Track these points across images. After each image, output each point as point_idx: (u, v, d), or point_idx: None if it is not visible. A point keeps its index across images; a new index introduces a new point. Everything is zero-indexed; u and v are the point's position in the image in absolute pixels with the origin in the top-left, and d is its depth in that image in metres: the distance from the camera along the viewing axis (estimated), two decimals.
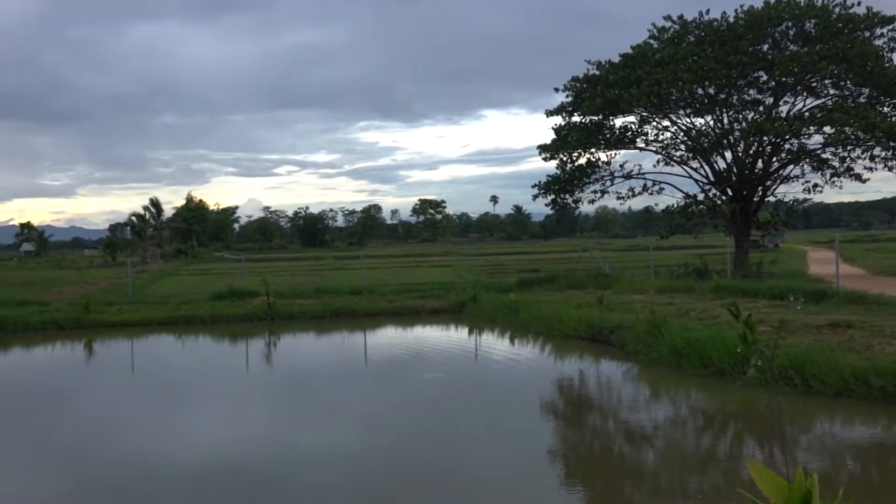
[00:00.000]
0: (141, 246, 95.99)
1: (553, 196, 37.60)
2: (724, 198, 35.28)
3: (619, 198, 37.81)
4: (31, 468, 10.96)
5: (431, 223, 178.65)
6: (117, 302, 31.14)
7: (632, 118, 36.14)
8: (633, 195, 37.31)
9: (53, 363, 22.05)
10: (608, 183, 37.24)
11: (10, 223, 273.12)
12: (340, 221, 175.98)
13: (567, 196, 37.72)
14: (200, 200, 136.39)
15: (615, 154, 37.27)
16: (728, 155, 34.89)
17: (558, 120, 36.87)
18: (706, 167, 35.61)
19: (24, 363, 22.35)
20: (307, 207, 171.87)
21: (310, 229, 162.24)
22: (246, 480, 9.87)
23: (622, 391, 15.66)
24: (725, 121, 34.48)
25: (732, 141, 34.22)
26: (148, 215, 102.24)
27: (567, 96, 36.39)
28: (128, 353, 23.40)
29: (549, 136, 37.35)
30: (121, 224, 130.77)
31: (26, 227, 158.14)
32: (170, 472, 10.33)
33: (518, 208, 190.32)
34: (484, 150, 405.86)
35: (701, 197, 36.08)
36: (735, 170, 34.62)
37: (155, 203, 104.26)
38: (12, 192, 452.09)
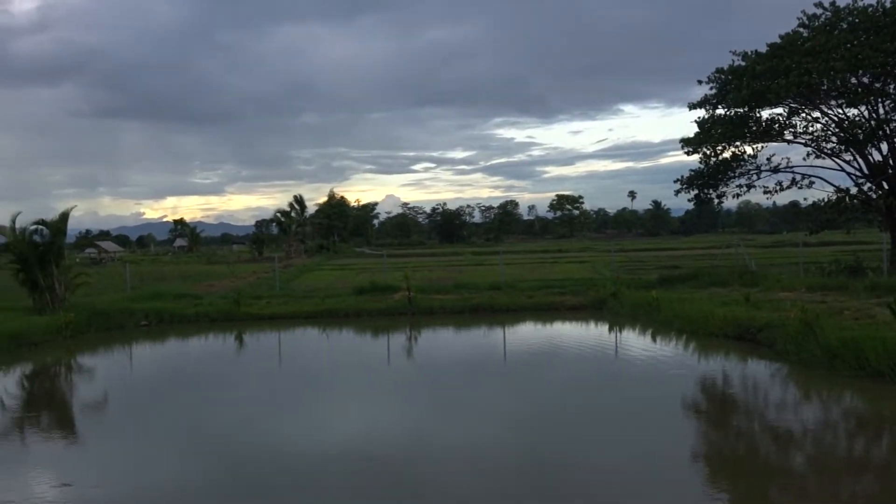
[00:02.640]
0: (286, 241, 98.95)
1: (696, 191, 36.82)
2: (879, 192, 33.68)
3: (765, 192, 36.69)
4: (184, 453, 11.55)
5: (568, 219, 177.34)
6: (265, 296, 32.33)
7: (779, 110, 35.04)
8: (781, 189, 36.17)
9: (207, 354, 23.05)
10: (754, 177, 36.24)
11: (164, 219, 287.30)
12: (477, 217, 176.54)
13: (710, 191, 36.86)
14: (342, 197, 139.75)
15: (761, 147, 36.25)
16: (884, 147, 33.31)
17: (701, 113, 36.12)
18: (860, 160, 34.14)
19: (181, 353, 23.44)
20: (444, 203, 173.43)
21: (447, 225, 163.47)
22: (383, 472, 10.10)
23: (770, 392, 15.18)
24: (881, 111, 32.93)
25: (889, 132, 32.62)
26: (293, 212, 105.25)
27: (711, 88, 35.57)
28: (275, 345, 24.26)
29: (690, 130, 36.66)
30: (266, 220, 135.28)
31: (179, 223, 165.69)
32: (311, 461, 10.73)
33: (657, 203, 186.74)
34: (621, 144, 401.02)
35: (854, 191, 34.60)
36: (891, 162, 33.00)
37: (299, 200, 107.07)
38: (166, 190, 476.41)
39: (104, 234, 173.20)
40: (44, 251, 28.02)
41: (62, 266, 28.79)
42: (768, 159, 36.10)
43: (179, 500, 9.35)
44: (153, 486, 9.89)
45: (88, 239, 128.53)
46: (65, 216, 28.87)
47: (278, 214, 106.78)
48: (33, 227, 28.64)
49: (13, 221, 28.53)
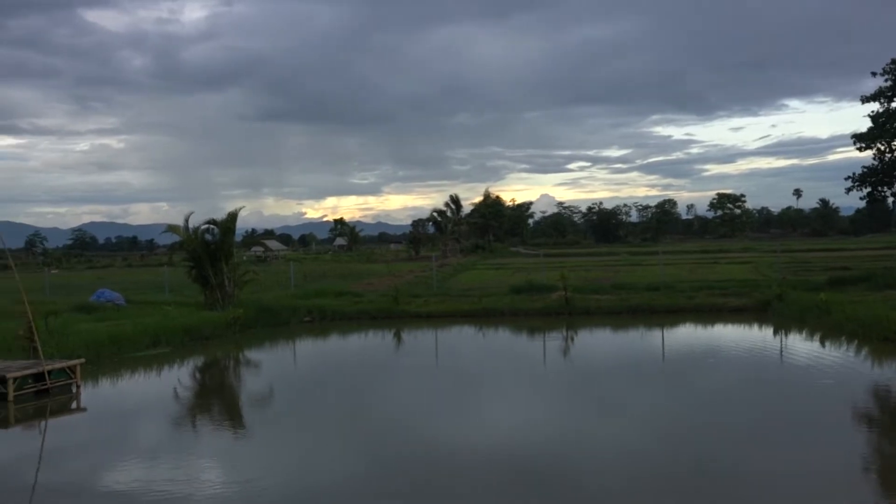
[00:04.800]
0: (441, 241, 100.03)
1: (869, 189, 34.97)
2: None
3: None
4: (347, 449, 11.86)
5: (729, 218, 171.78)
6: (423, 294, 32.81)
7: None
8: None
9: (367, 350, 23.60)
10: None
11: (325, 219, 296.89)
12: (634, 217, 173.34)
13: (885, 188, 34.93)
14: (497, 196, 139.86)
15: None
16: None
17: (875, 106, 34.27)
18: None
19: (342, 349, 24.13)
20: (601, 203, 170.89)
21: (603, 224, 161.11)
22: (537, 472, 10.08)
23: None
24: None
25: None
26: (449, 211, 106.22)
27: (886, 80, 33.68)
28: (433, 343, 24.57)
29: (862, 125, 34.89)
30: (422, 220, 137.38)
31: (339, 222, 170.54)
32: (467, 458, 10.80)
33: (824, 202, 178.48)
34: (785, 141, 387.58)
35: None
36: None
37: (454, 199, 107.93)
38: (326, 190, 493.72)
39: (269, 234, 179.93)
40: (214, 249, 29.32)
41: (231, 264, 30.04)
42: None
43: (344, 498, 9.57)
44: (315, 481, 10.20)
45: (255, 238, 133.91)
46: (233, 216, 30.11)
47: (434, 214, 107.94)
48: (205, 226, 30.02)
49: (186, 221, 30.04)
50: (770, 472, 9.81)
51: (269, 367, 21.03)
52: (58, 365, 16.42)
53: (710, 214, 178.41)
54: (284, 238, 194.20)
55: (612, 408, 14.04)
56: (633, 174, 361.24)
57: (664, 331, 24.47)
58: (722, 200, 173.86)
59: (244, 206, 31.50)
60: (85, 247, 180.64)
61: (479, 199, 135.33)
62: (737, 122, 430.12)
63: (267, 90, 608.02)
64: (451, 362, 20.79)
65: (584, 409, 14.33)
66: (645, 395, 15.21)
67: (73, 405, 15.84)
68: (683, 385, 16.34)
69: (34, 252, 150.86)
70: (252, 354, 23.05)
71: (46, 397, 15.73)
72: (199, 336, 24.04)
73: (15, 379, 15.34)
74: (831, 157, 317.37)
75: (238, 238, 36.70)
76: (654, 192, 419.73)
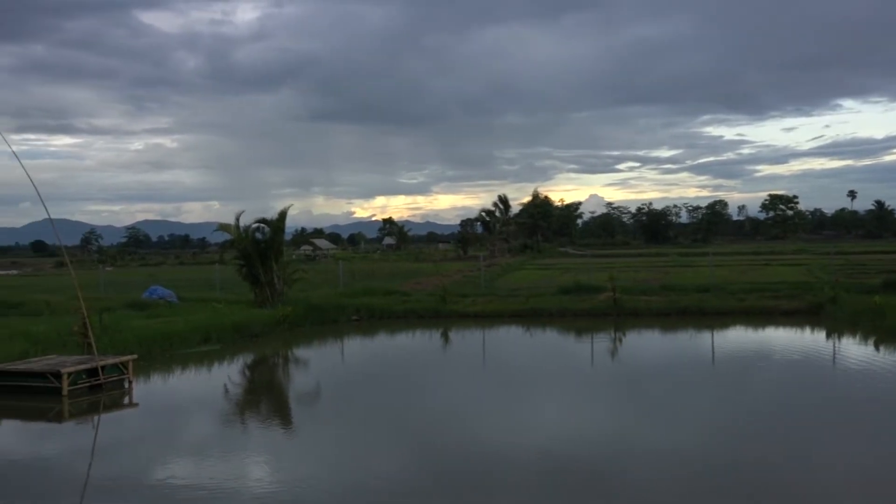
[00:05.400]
0: (490, 240, 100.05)
1: None
2: None
3: None
4: (390, 449, 11.90)
5: (781, 219, 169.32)
6: (470, 294, 32.78)
7: None
8: None
9: (414, 350, 23.70)
10: None
11: (373, 218, 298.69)
12: (684, 217, 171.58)
13: None
14: (545, 196, 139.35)
15: None
16: None
17: None
18: None
19: (389, 348, 24.24)
20: (650, 203, 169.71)
21: (652, 225, 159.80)
22: (581, 473, 10.06)
23: None
24: None
25: None
26: (497, 211, 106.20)
27: None
28: (480, 343, 24.56)
29: None
30: (471, 220, 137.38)
31: (388, 222, 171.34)
32: (510, 459, 10.81)
33: (880, 203, 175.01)
34: (839, 141, 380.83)
35: None
36: None
37: (503, 199, 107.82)
38: (375, 190, 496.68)
39: (318, 232, 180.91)
40: (265, 248, 29.55)
41: (281, 262, 30.27)
42: None
43: (392, 496, 9.57)
44: (362, 479, 10.23)
45: (304, 236, 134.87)
46: (283, 215, 30.36)
47: (483, 214, 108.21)
48: (255, 225, 30.26)
49: (237, 220, 30.27)
50: (823, 479, 9.66)
51: (317, 364, 21.18)
52: (111, 360, 16.69)
53: (762, 216, 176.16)
54: (333, 237, 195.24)
55: (661, 411, 13.88)
56: (684, 175, 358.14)
57: (714, 333, 24.18)
58: (774, 202, 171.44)
59: (294, 205, 31.85)
60: (138, 244, 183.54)
61: (527, 199, 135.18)
62: (789, 122, 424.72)
63: (317, 91, 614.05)
64: (499, 362, 20.79)
65: (632, 411, 14.18)
66: (694, 399, 15.07)
67: (126, 400, 16.12)
68: (734, 389, 16.12)
69: (89, 249, 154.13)
70: (301, 352, 23.26)
71: (100, 392, 15.98)
72: (249, 333, 24.28)
73: (69, 374, 15.63)
74: (887, 158, 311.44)
75: (288, 237, 36.92)
76: (704, 193, 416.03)
